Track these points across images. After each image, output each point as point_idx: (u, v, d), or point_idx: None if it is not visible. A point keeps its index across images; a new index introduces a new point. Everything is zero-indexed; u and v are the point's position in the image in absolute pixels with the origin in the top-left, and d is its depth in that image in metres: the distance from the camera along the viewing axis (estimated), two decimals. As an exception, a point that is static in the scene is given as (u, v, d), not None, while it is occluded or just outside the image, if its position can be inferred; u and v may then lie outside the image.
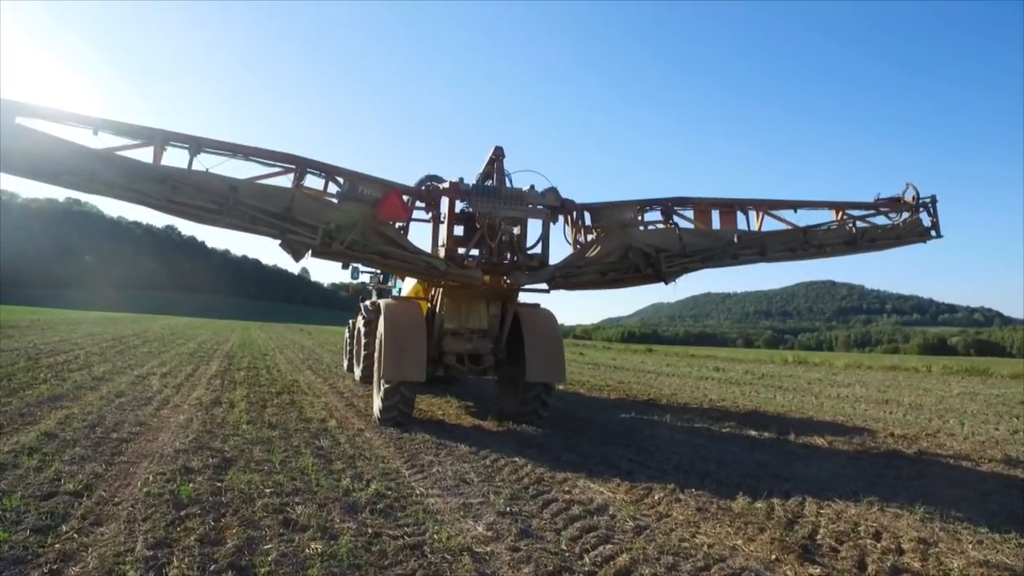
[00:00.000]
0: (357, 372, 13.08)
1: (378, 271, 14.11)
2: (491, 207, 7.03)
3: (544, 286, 7.79)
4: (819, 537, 4.17)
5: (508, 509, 4.55)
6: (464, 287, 7.67)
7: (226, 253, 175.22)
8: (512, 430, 7.97)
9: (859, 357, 32.21)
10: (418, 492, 4.91)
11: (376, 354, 8.68)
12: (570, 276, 7.64)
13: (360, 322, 12.79)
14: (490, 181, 7.69)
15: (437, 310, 7.93)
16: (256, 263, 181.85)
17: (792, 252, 8.34)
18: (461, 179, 7.38)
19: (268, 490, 4.68)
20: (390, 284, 13.91)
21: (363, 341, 12.53)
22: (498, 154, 7.46)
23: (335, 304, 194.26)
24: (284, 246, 6.90)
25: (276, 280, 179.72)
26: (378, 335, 8.62)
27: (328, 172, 7.01)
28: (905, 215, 8.68)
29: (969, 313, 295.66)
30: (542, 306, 8.86)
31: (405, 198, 7.11)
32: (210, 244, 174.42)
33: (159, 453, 5.76)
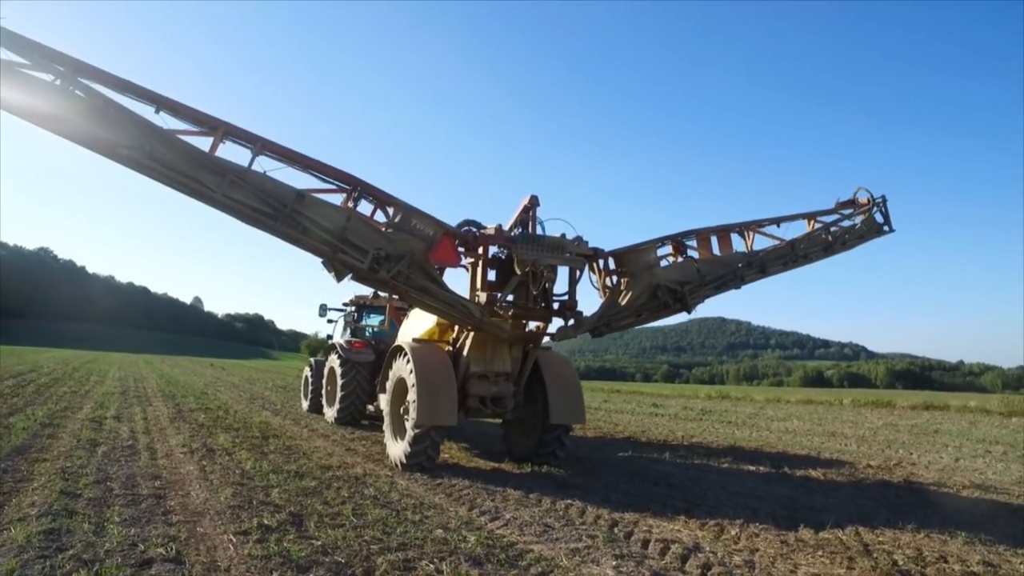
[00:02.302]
0: (331, 413, 12.62)
1: (352, 309, 13.78)
2: (536, 255, 7.26)
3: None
4: (902, 564, 4.65)
5: (619, 552, 4.69)
6: (493, 332, 7.78)
7: (110, 279, 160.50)
8: (536, 471, 8.06)
9: (776, 392, 35.01)
10: (514, 540, 4.93)
11: (389, 396, 8.53)
12: (611, 322, 7.98)
13: (336, 362, 12.41)
14: (518, 229, 7.91)
15: (465, 353, 7.95)
16: (144, 291, 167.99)
17: (784, 265, 9.20)
18: (500, 225, 7.58)
19: (374, 546, 4.54)
20: (364, 324, 13.60)
21: (340, 382, 12.17)
22: (533, 203, 7.72)
23: (230, 336, 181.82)
24: (327, 264, 6.91)
25: (166, 309, 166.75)
26: (391, 378, 8.48)
27: (382, 200, 7.07)
28: (860, 217, 9.84)
29: (840, 348, 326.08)
30: (553, 349, 9.14)
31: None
32: (91, 269, 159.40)
33: (212, 510, 5.39)
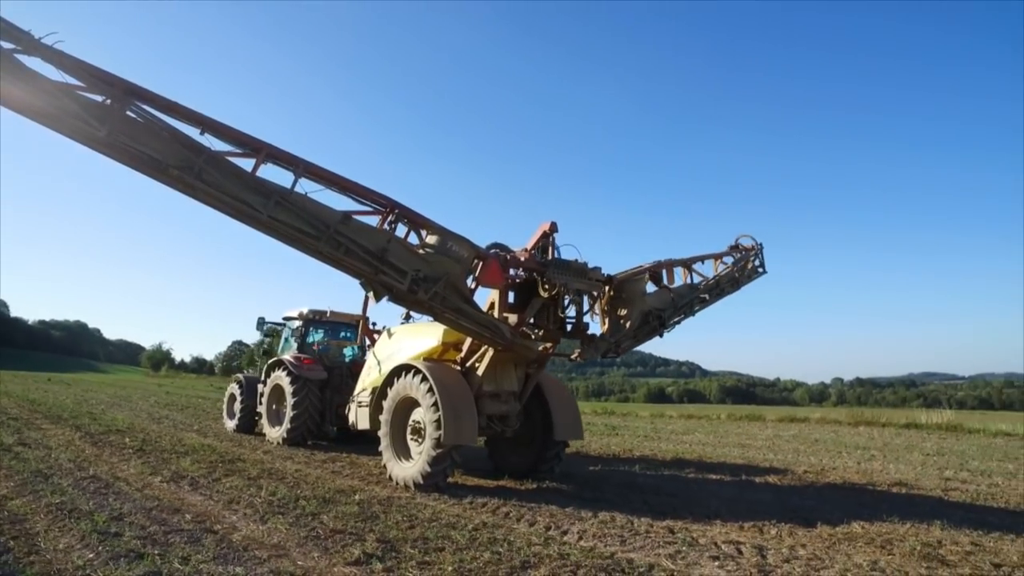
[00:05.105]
0: (276, 433, 11.90)
1: (299, 324, 13.06)
2: (566, 279, 7.63)
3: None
4: (919, 549, 5.59)
5: (710, 554, 5.19)
6: (510, 351, 7.99)
7: None
8: (540, 487, 8.34)
9: (658, 408, 37.77)
10: (610, 551, 5.22)
11: (388, 416, 8.33)
12: (620, 344, 8.52)
13: (285, 380, 11.76)
14: (536, 253, 8.22)
15: (480, 372, 8.05)
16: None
17: (714, 297, 10.41)
18: (526, 248, 7.85)
19: (502, 568, 4.62)
20: (312, 340, 12.95)
21: (290, 400, 11.57)
22: (553, 229, 8.09)
23: (44, 345, 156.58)
24: (365, 285, 6.93)
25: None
26: (392, 396, 8.32)
27: (417, 223, 7.17)
28: (742, 260, 11.39)
29: (679, 366, 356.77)
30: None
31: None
32: None
33: (289, 542, 5.14)
